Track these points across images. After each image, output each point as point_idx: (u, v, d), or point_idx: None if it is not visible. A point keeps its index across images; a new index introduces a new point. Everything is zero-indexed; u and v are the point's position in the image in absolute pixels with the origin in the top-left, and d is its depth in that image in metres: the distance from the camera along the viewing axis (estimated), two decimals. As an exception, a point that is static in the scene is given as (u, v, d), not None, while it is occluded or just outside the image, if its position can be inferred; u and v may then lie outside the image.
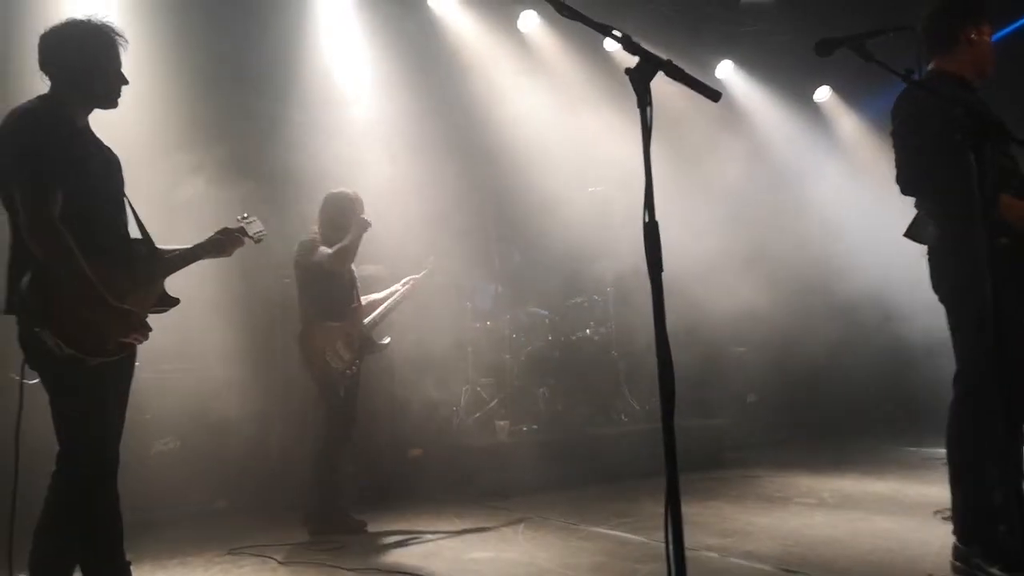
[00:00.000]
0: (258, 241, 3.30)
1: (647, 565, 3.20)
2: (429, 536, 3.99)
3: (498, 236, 6.12)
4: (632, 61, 1.94)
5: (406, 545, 3.82)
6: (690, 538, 3.57)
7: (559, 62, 6.80)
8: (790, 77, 7.47)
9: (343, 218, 4.26)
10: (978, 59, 3.09)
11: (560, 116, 6.56)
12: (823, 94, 7.98)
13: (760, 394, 7.10)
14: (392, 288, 4.72)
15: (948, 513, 3.06)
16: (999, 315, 2.34)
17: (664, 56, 1.92)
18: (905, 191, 3.05)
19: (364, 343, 4.38)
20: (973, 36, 3.08)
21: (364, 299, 4.48)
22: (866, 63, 2.57)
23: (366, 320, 4.44)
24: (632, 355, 6.23)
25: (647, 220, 1.89)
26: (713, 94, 1.95)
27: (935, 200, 2.96)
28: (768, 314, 6.44)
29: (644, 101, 1.91)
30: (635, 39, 1.99)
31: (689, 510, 4.25)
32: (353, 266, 4.37)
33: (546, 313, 6.23)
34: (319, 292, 4.22)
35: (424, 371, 5.34)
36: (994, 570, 2.75)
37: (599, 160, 6.25)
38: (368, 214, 4.29)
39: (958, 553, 2.92)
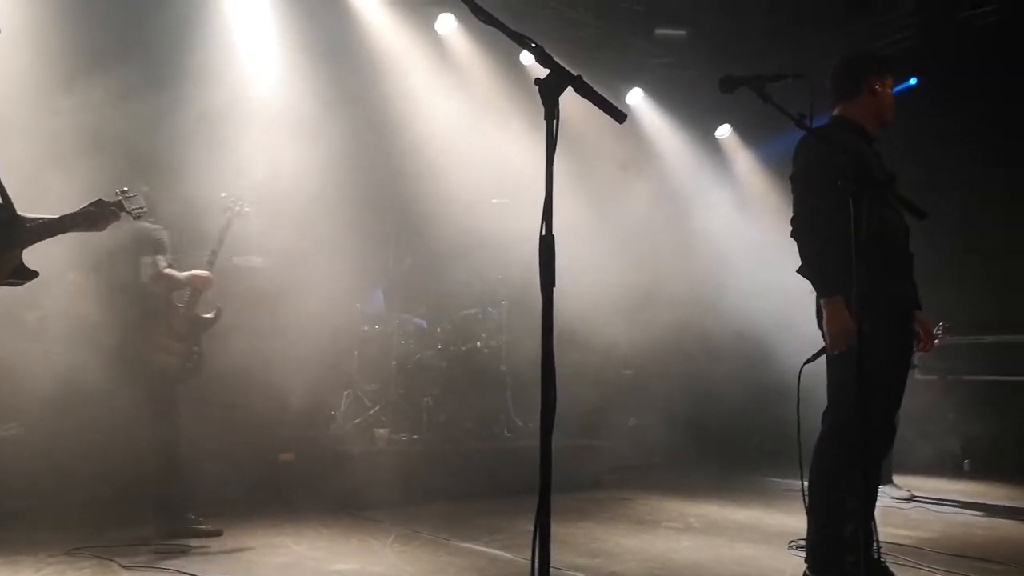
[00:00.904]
0: (136, 218, 3.11)
1: (515, 583, 3.17)
2: (291, 545, 3.80)
3: (395, 239, 5.99)
4: (544, 74, 1.92)
5: (265, 554, 3.62)
6: (559, 557, 3.60)
7: (475, 69, 6.76)
8: (695, 112, 7.74)
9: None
10: (879, 109, 3.27)
11: (471, 123, 6.52)
12: (724, 131, 8.31)
13: (641, 418, 7.26)
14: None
15: (802, 543, 3.18)
16: (868, 359, 2.46)
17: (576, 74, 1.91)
18: (792, 233, 3.17)
19: (192, 325, 3.92)
20: (877, 87, 3.26)
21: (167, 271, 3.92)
22: (764, 105, 2.67)
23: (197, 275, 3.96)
24: (521, 370, 6.24)
25: (543, 234, 1.86)
26: (619, 115, 1.95)
27: (808, 244, 3.09)
28: (656, 339, 6.60)
29: (551, 114, 1.89)
30: (548, 52, 1.97)
31: (561, 529, 4.30)
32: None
33: (425, 324, 6.13)
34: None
35: (304, 372, 5.12)
36: (839, 599, 2.88)
37: (506, 172, 6.24)
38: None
39: (808, 582, 3.04)
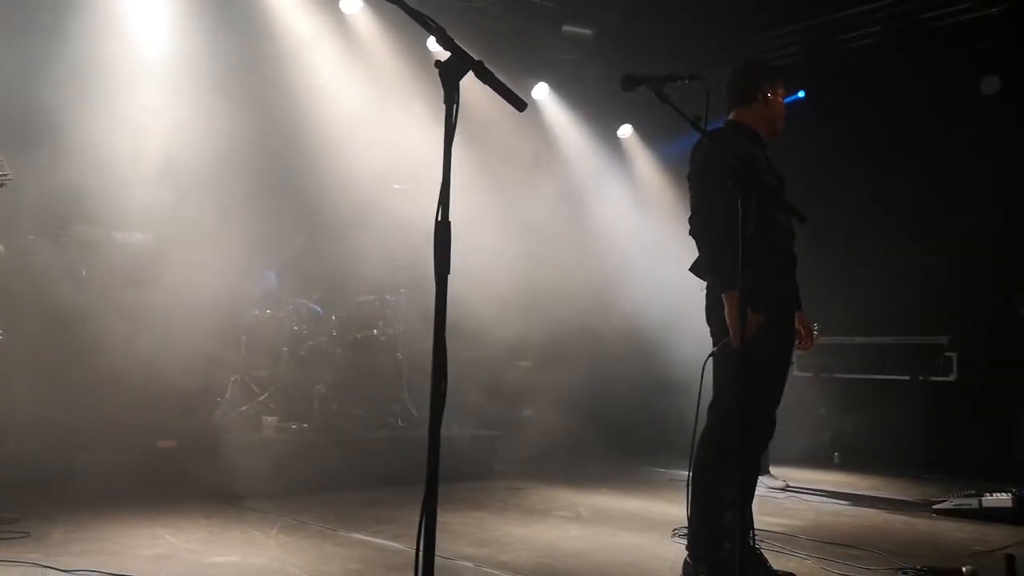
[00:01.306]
0: (0, 185, 2.87)
1: (401, 573, 3.13)
2: (167, 536, 3.62)
3: (290, 221, 5.79)
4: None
5: (138, 546, 3.43)
6: (449, 547, 3.59)
7: (380, 51, 6.62)
8: (598, 110, 7.86)
9: None
10: (771, 116, 3.41)
11: (375, 107, 6.38)
12: (626, 131, 8.49)
13: (536, 410, 7.34)
14: None
15: (684, 531, 3.30)
16: (752, 356, 2.56)
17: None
18: (690, 232, 3.27)
19: None
20: (769, 95, 3.40)
21: None
22: (666, 108, 2.73)
23: None
24: (418, 360, 6.17)
25: (439, 219, 1.83)
26: (519, 103, 1.94)
27: (706, 241, 3.20)
28: (552, 332, 6.68)
29: (451, 98, 1.86)
30: (450, 35, 1.94)
31: (452, 519, 4.29)
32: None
33: (320, 310, 5.98)
34: None
35: (187, 356, 4.86)
36: (715, 584, 3.00)
37: (409, 158, 6.14)
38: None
39: (687, 568, 3.16)
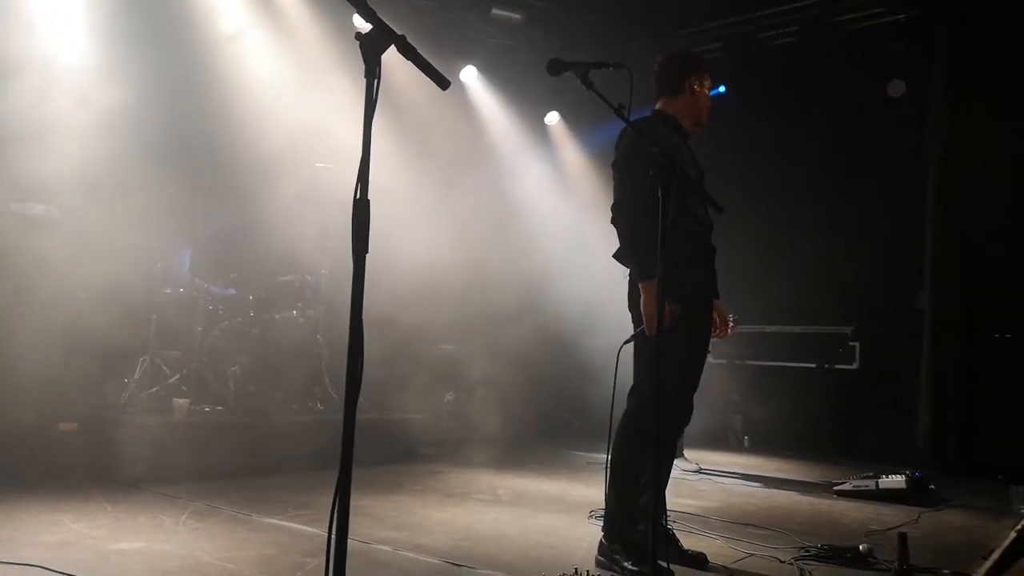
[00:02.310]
0: None
1: (317, 558, 3.07)
2: (69, 523, 3.45)
3: (205, 197, 5.57)
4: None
5: (35, 533, 3.26)
6: (366, 531, 3.56)
7: (304, 27, 6.44)
8: (526, 95, 7.87)
9: None
10: (696, 108, 3.47)
11: (299, 82, 6.21)
12: (553, 118, 8.52)
13: (458, 393, 7.34)
14: None
15: (601, 513, 3.36)
16: (670, 343, 2.62)
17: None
18: (612, 220, 3.31)
19: None
20: (696, 86, 3.45)
21: None
22: (592, 96, 2.75)
23: None
24: (338, 342, 6.06)
25: (358, 197, 1.79)
26: (443, 81, 1.92)
27: (626, 230, 3.24)
28: (474, 316, 6.67)
29: (372, 72, 1.82)
30: (372, 8, 1.89)
31: (371, 503, 4.25)
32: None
33: (234, 290, 5.80)
34: None
35: (91, 335, 4.64)
36: (628, 564, 3.07)
37: (334, 136, 6.00)
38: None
39: (603, 549, 3.22)
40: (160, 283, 5.43)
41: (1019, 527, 4.26)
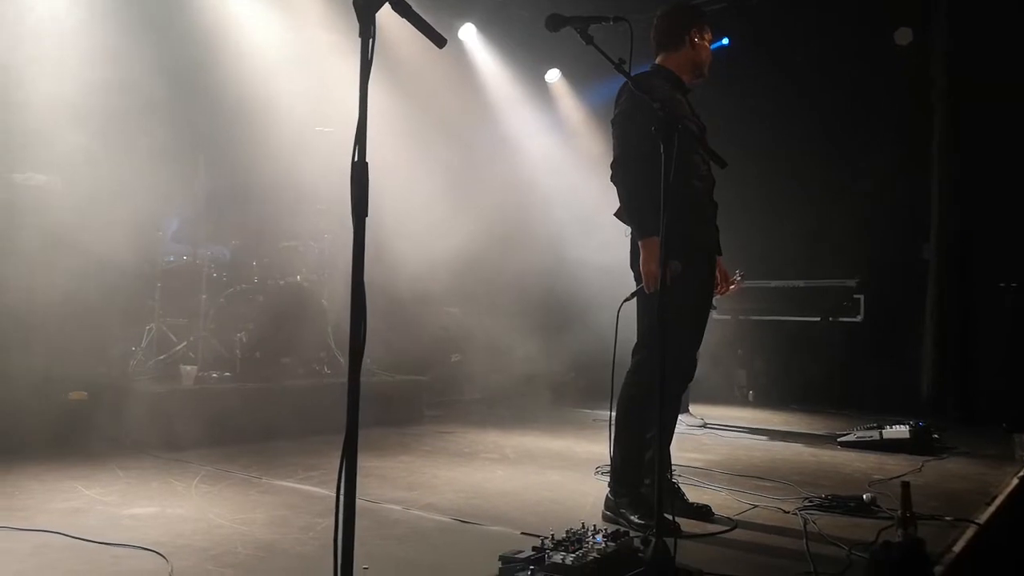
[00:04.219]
0: None
1: (328, 519, 3.11)
2: (82, 490, 3.51)
3: (206, 162, 5.53)
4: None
5: (49, 500, 3.32)
6: (376, 492, 3.61)
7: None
8: (526, 53, 7.75)
9: None
10: (697, 61, 3.42)
11: (295, 46, 6.12)
12: (554, 76, 8.41)
13: (464, 354, 7.38)
14: None
15: (606, 469, 3.40)
16: (673, 300, 2.61)
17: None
18: (612, 177, 3.28)
19: None
20: (696, 39, 3.40)
21: None
22: (593, 52, 2.71)
23: None
24: (344, 306, 6.06)
25: (356, 160, 1.78)
26: (439, 39, 1.89)
27: (626, 187, 3.22)
28: (479, 278, 6.68)
29: (367, 32, 1.78)
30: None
31: (381, 464, 4.31)
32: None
33: (231, 255, 5.80)
34: None
35: (98, 304, 4.66)
36: (634, 517, 3.12)
37: (336, 100, 5.93)
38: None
39: (609, 503, 3.27)
40: (163, 251, 5.43)
41: (1022, 473, 4.31)
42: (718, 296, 3.63)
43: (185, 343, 5.30)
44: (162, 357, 5.20)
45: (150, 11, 5.27)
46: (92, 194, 4.64)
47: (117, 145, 4.68)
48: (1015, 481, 4.17)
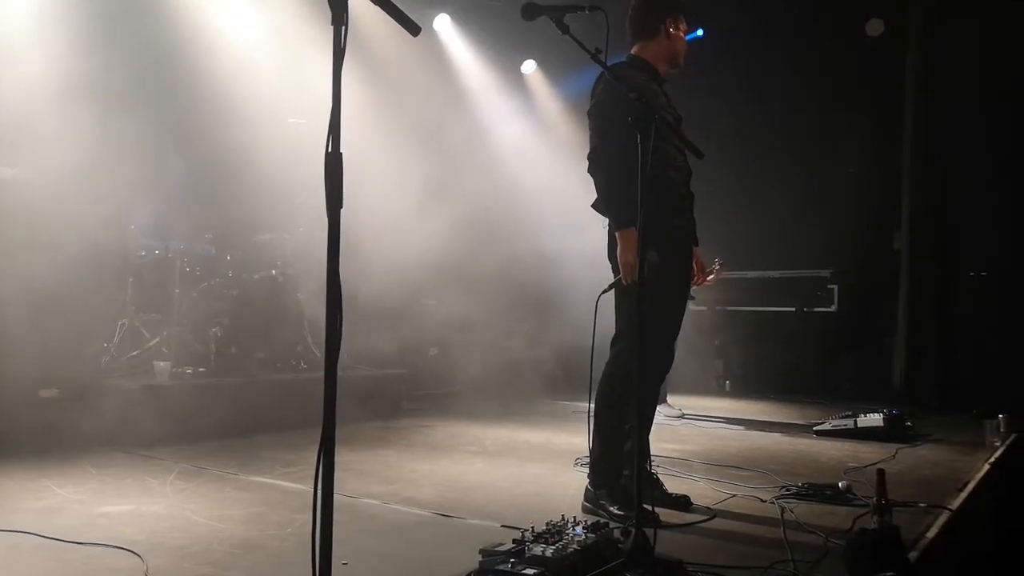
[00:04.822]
0: None
1: (305, 514, 3.08)
2: (54, 488, 3.44)
3: (178, 155, 5.44)
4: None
5: (21, 499, 3.25)
6: (355, 486, 3.58)
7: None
8: (502, 44, 7.71)
9: None
10: (672, 51, 3.41)
11: (272, 36, 6.03)
12: (529, 67, 8.38)
13: (441, 347, 7.35)
14: None
15: (586, 461, 3.40)
16: (651, 291, 2.61)
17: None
18: (589, 168, 3.27)
19: None
20: (672, 29, 3.39)
21: None
22: (571, 43, 2.69)
23: None
24: (319, 300, 6.00)
25: (330, 150, 1.75)
26: (412, 27, 1.86)
27: (603, 178, 3.21)
28: (456, 271, 6.64)
29: (339, 19, 1.75)
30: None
31: (359, 458, 4.28)
32: None
33: (213, 250, 5.72)
34: None
35: (68, 300, 4.56)
36: (614, 508, 3.13)
37: (309, 91, 5.85)
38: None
39: (588, 495, 3.27)
40: (135, 246, 5.34)
41: (992, 459, 4.39)
42: (695, 286, 3.64)
43: (158, 339, 5.23)
44: (135, 353, 5.13)
45: (120, 1, 5.16)
46: (61, 187, 4.54)
47: (87, 138, 4.58)
48: (986, 467, 4.24)
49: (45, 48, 4.65)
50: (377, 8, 1.84)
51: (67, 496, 3.34)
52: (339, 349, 1.74)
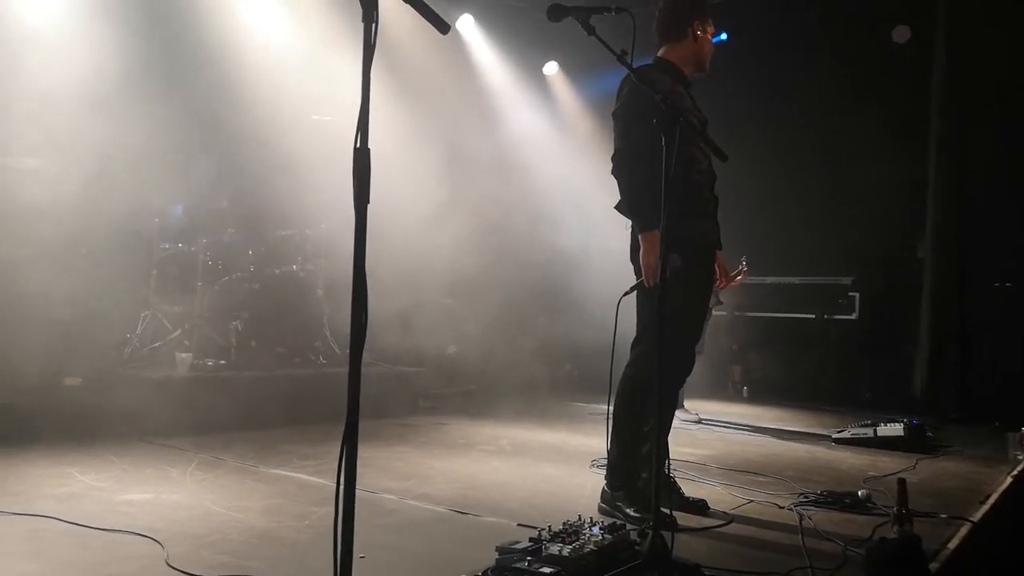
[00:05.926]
0: None
1: (323, 507, 3.12)
2: (77, 475, 3.49)
3: (203, 151, 5.50)
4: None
5: (44, 486, 3.30)
6: (372, 482, 3.60)
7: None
8: (524, 45, 7.72)
9: None
10: (699, 54, 3.40)
11: (293, 34, 6.08)
12: (552, 68, 8.38)
13: (460, 346, 7.36)
14: None
15: (602, 462, 3.39)
16: (672, 294, 2.60)
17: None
18: (612, 170, 3.26)
19: None
20: (699, 32, 3.37)
21: None
22: (594, 45, 2.68)
23: None
24: (339, 296, 6.05)
25: (358, 146, 1.76)
26: (442, 26, 1.87)
27: (627, 180, 3.20)
28: (476, 270, 6.66)
29: (369, 16, 1.76)
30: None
31: (377, 454, 4.30)
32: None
33: (234, 243, 5.78)
34: None
35: (93, 290, 4.63)
36: (630, 510, 3.12)
37: (334, 88, 5.89)
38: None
39: (605, 496, 3.27)
40: (158, 238, 5.40)
41: (1015, 472, 4.33)
42: (720, 289, 3.62)
43: (180, 331, 5.28)
44: (157, 344, 5.18)
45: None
46: (87, 180, 4.61)
47: (112, 132, 4.64)
48: (1008, 480, 4.18)
49: (73, 44, 4.73)
50: (399, 7, 1.86)
51: (89, 483, 3.38)
52: (364, 343, 1.74)
